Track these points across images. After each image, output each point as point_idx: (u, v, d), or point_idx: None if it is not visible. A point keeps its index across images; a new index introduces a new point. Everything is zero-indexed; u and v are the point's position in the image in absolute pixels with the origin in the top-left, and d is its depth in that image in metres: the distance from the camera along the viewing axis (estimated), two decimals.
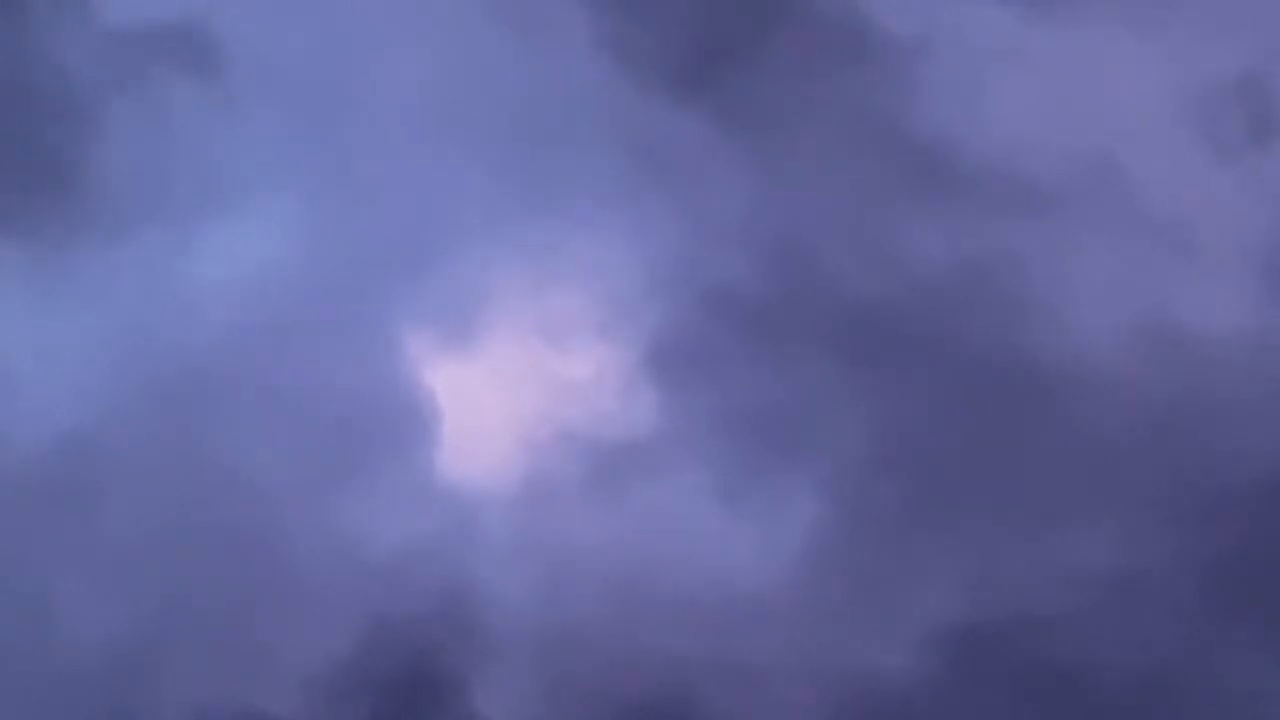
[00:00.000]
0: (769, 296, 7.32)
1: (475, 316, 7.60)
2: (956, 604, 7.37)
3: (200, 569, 7.47)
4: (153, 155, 7.25)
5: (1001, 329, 7.14)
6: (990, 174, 7.21)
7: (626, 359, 7.55)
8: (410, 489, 7.47)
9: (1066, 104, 7.16)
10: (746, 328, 7.44)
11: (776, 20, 7.36)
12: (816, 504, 7.34)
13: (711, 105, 7.28)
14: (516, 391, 7.56)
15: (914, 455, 7.40)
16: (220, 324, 7.38)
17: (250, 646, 7.28)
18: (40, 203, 7.31)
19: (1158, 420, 7.17)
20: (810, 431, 7.51)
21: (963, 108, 7.20)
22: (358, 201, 7.13)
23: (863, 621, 7.44)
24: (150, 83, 7.18)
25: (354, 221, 7.14)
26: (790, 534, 7.36)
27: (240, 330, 7.36)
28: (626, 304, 7.78)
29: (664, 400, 7.46)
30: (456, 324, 7.60)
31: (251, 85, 7.11)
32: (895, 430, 7.35)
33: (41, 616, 7.08)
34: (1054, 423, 7.27)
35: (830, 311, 7.31)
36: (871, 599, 7.48)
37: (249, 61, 7.12)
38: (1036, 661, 7.47)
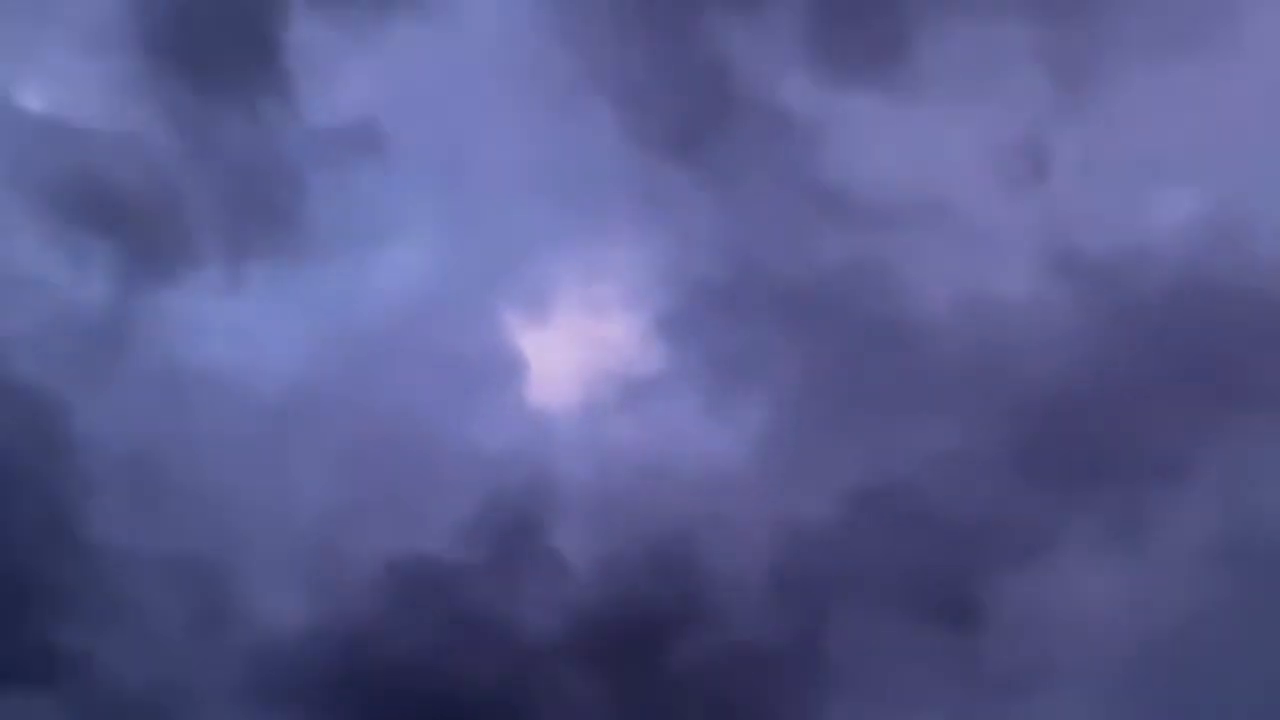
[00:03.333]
0: (731, 285, 11.33)
1: (547, 302, 11.74)
2: (858, 474, 11.40)
3: (378, 468, 11.60)
4: (342, 206, 11.37)
5: (876, 302, 11.22)
6: (867, 204, 11.21)
7: (642, 325, 11.64)
8: (509, 412, 11.51)
9: (914, 157, 11.17)
10: (718, 305, 11.46)
11: (731, 109, 11.42)
12: (765, 413, 11.39)
13: (692, 165, 11.32)
14: (574, 348, 11.66)
15: (826, 382, 11.45)
16: (386, 313, 11.50)
17: (414, 515, 11.38)
18: (272, 238, 11.42)
19: (976, 356, 11.17)
20: (760, 369, 11.57)
21: (850, 162, 11.24)
22: (474, 232, 11.19)
23: (797, 487, 11.42)
24: (340, 158, 11.33)
25: (471, 244, 11.21)
26: (748, 433, 11.39)
27: (399, 316, 11.43)
28: (641, 291, 11.80)
29: (667, 351, 11.51)
30: (535, 307, 11.69)
31: (406, 158, 11.19)
32: (813, 366, 11.38)
33: (285, 493, 11.20)
34: (911, 359, 11.27)
35: (770, 294, 11.33)
36: (802, 473, 11.47)
37: (405, 143, 11.18)
38: (910, 510, 11.56)
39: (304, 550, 11.20)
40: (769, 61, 11.31)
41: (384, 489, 11.12)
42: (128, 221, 11.14)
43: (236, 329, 11.37)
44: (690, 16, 11.34)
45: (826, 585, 11.28)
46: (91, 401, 10.93)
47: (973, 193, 11.14)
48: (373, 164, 11.16)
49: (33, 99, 11.16)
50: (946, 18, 11.34)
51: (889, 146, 11.15)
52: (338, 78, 11.32)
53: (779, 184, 11.38)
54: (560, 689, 11.11)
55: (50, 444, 10.88)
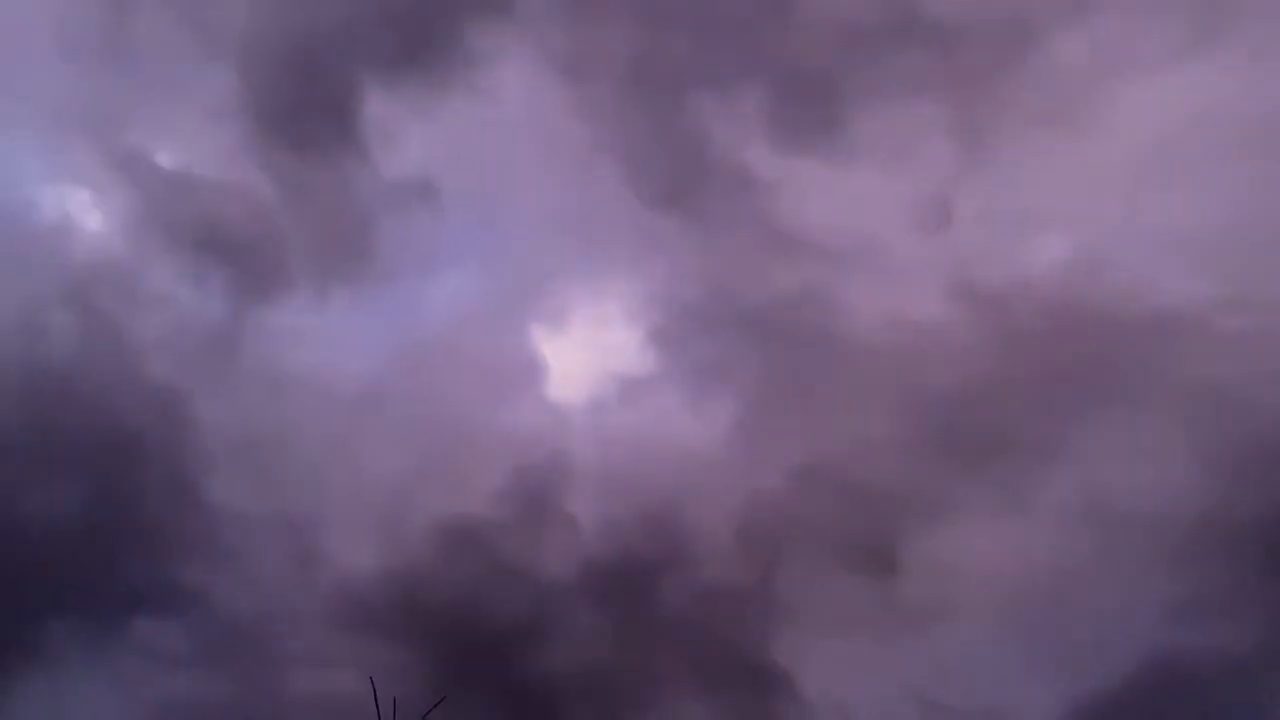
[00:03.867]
0: (706, 307, 14.63)
1: (563, 318, 15.01)
2: (802, 454, 14.62)
3: (431, 447, 14.75)
4: (405, 242, 14.58)
5: (819, 321, 14.53)
6: (812, 244, 14.50)
7: (638, 338, 14.91)
8: (532, 404, 14.77)
9: (848, 208, 14.46)
10: (696, 322, 14.77)
11: (706, 171, 14.70)
12: (732, 407, 14.64)
13: (676, 213, 14.64)
14: (584, 355, 14.92)
15: (779, 383, 14.71)
16: (438, 325, 14.70)
17: (458, 484, 14.54)
18: (350, 267, 14.63)
19: (895, 363, 14.44)
20: (729, 373, 14.84)
21: (799, 211, 14.51)
22: (507, 263, 14.50)
23: (756, 464, 14.69)
24: (404, 204, 14.56)
25: (505, 273, 14.50)
26: (719, 422, 14.61)
27: (449, 327, 14.65)
28: (637, 311, 15.07)
29: (657, 358, 14.80)
30: (554, 322, 14.98)
31: (455, 205, 14.43)
32: (770, 371, 14.66)
33: (359, 466, 14.37)
34: (845, 365, 14.54)
35: (737, 314, 14.65)
36: (760, 453, 14.73)
37: (454, 193, 14.43)
38: (843, 482, 14.77)
39: (374, 510, 14.34)
40: (736, 134, 14.59)
41: (435, 463, 14.29)
42: (239, 253, 14.34)
43: (322, 337, 14.56)
44: (676, 98, 14.61)
45: (778, 540, 14.47)
46: (210, 393, 14.10)
47: (893, 236, 14.41)
48: (429, 209, 14.39)
49: (166, 158, 14.35)
50: (873, 99, 14.65)
51: (828, 200, 14.43)
52: (403, 142, 14.57)
53: (743, 228, 14.66)
54: (571, 619, 14.27)
55: (178, 426, 14.03)
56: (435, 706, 9.87)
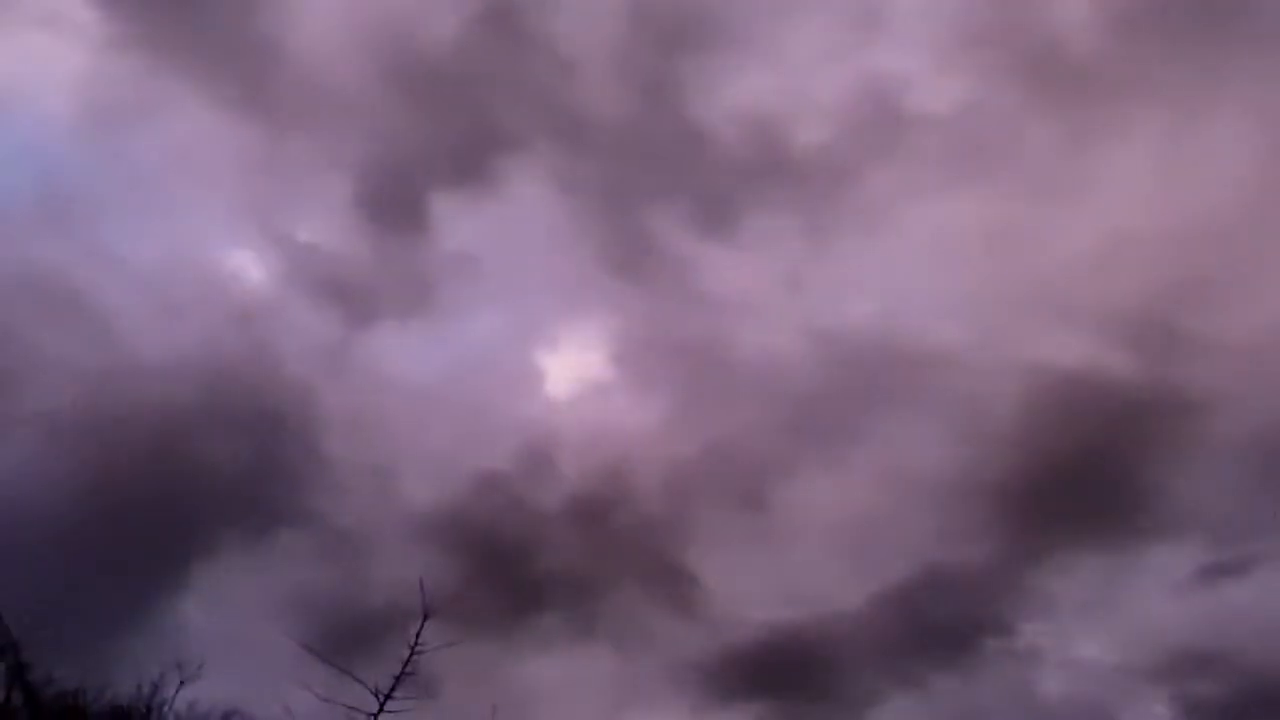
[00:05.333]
0: (651, 342, 22.95)
1: (556, 347, 23.21)
2: (707, 437, 22.96)
3: (467, 429, 22.84)
4: (455, 295, 22.66)
5: (720, 354, 22.98)
6: (718, 302, 23.03)
7: (603, 359, 23.20)
8: (536, 403, 22.89)
9: (737, 277, 22.97)
10: (644, 352, 23.10)
11: (651, 253, 23.10)
12: (666, 405, 22.97)
13: (631, 281, 23.03)
14: (569, 370, 23.10)
15: (694, 390, 23.05)
16: (473, 350, 22.81)
17: (487, 450, 22.59)
18: (420, 310, 22.72)
19: (765, 376, 22.93)
20: (665, 385, 23.17)
21: (711, 278, 22.94)
22: (519, 311, 22.65)
23: (679, 443, 22.98)
24: (455, 270, 22.66)
25: (518, 317, 22.65)
26: (656, 415, 22.95)
27: (480, 351, 22.77)
28: (606, 342, 23.33)
29: (616, 371, 23.12)
30: (550, 349, 23.20)
31: (490, 272, 22.59)
32: (690, 384, 23.04)
33: (422, 439, 22.42)
34: (732, 377, 22.96)
35: (671, 348, 23.03)
36: (682, 435, 23.02)
37: (488, 264, 22.59)
38: (733, 452, 23.17)
39: (432, 464, 22.37)
40: (669, 229, 23.08)
41: (473, 435, 22.42)
42: (348, 296, 22.37)
43: (402, 352, 22.61)
44: (631, 205, 23.08)
45: (690, 489, 22.80)
46: (328, 387, 22.08)
47: (767, 297, 22.96)
48: (471, 274, 22.60)
49: (303, 233, 22.40)
50: (756, 208, 23.27)
51: (726, 273, 22.97)
52: (456, 228, 22.80)
53: (672, 290, 23.11)
54: (558, 539, 22.41)
55: (307, 407, 21.94)
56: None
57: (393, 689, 9.99)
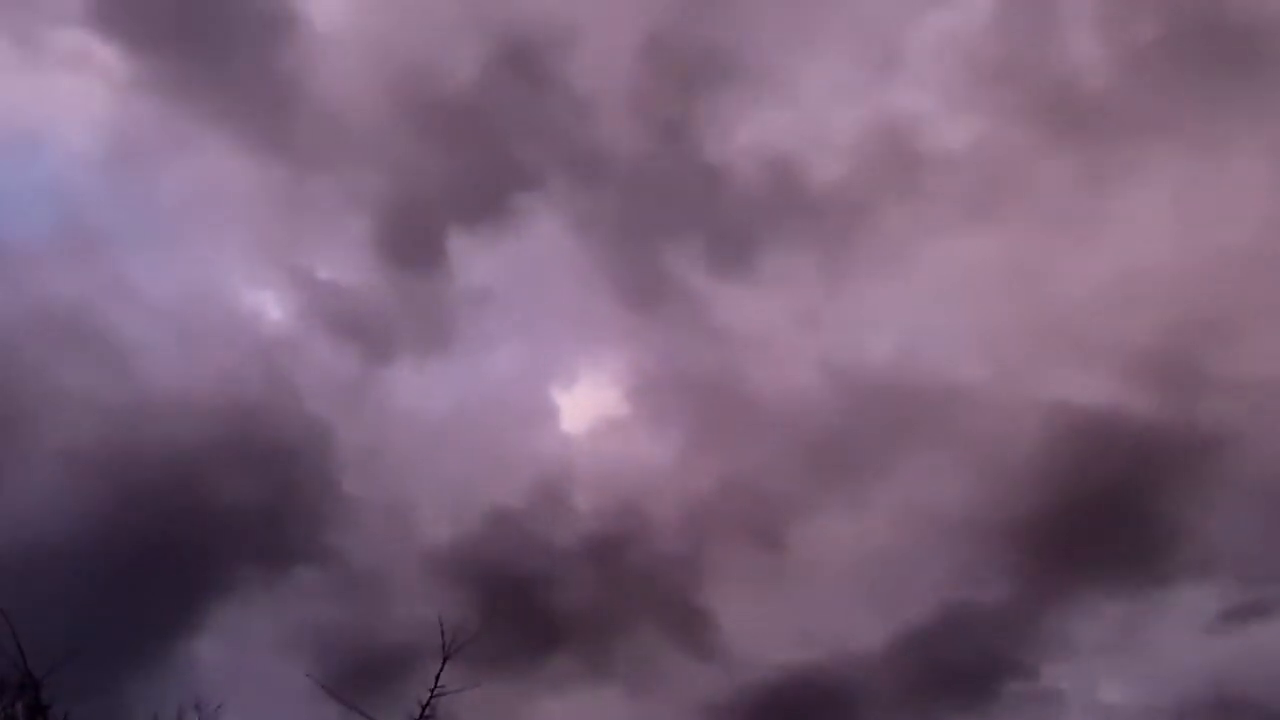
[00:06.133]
0: (663, 377, 22.98)
1: (572, 381, 23.24)
2: (721, 472, 22.87)
3: (484, 463, 22.84)
4: (473, 330, 22.78)
5: (733, 388, 22.98)
6: (729, 337, 23.03)
7: (619, 393, 23.19)
8: (551, 436, 22.87)
9: (754, 318, 22.99)
10: (657, 387, 23.10)
11: (665, 288, 23.18)
12: (680, 440, 22.92)
13: (646, 316, 23.06)
14: (583, 403, 23.10)
15: (707, 426, 23.03)
16: (491, 385, 22.87)
17: (501, 486, 22.59)
18: (438, 346, 22.83)
19: (782, 412, 22.89)
20: (678, 420, 23.14)
21: (723, 314, 22.99)
22: (537, 346, 22.72)
23: (694, 480, 22.90)
24: (473, 306, 22.80)
25: (535, 352, 22.72)
26: (671, 450, 22.89)
27: (497, 386, 22.79)
28: (620, 377, 23.36)
29: (631, 406, 23.11)
30: (565, 383, 23.23)
31: (506, 308, 22.74)
32: (703, 417, 22.98)
33: (437, 475, 22.43)
34: (752, 413, 22.93)
35: (684, 383, 23.02)
36: (697, 472, 22.96)
37: (505, 299, 22.74)
38: (748, 487, 23.08)
39: (449, 501, 22.34)
40: (685, 266, 23.16)
41: (488, 471, 22.40)
42: (367, 333, 22.49)
43: (419, 388, 22.66)
44: (646, 242, 23.18)
45: (706, 526, 22.70)
46: (346, 423, 22.13)
47: (784, 334, 22.96)
48: (488, 309, 22.70)
49: (322, 271, 22.57)
50: (773, 246, 23.34)
51: (743, 310, 22.99)
52: (474, 265, 22.93)
53: (688, 326, 23.14)
54: (572, 577, 22.30)
55: (325, 443, 21.99)
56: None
57: None
